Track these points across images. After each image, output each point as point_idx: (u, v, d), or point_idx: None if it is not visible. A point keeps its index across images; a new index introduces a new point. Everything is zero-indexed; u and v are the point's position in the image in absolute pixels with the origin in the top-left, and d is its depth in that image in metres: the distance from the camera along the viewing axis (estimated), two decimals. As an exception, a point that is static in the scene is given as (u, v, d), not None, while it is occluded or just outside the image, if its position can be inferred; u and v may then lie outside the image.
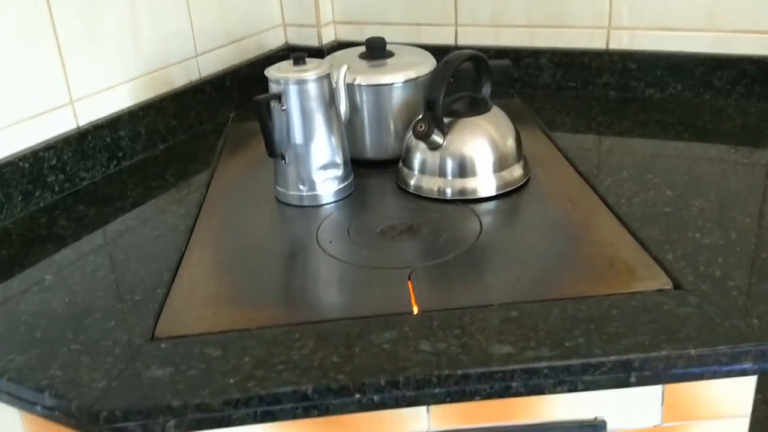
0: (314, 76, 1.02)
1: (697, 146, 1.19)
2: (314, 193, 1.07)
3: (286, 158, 1.06)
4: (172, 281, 0.89)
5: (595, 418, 0.76)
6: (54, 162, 1.14)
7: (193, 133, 1.40)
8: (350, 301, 0.86)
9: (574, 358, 0.70)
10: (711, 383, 0.75)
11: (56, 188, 1.15)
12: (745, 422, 0.77)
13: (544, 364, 0.69)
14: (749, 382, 0.75)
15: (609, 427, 0.76)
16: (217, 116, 1.46)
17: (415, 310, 0.80)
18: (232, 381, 0.70)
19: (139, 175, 1.23)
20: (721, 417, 0.76)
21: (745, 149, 1.15)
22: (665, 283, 0.80)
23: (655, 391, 0.75)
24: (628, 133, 1.25)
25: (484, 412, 0.76)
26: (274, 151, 1.04)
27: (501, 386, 0.70)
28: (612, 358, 0.69)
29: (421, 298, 0.82)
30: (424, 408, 0.75)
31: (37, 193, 1.12)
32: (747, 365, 0.70)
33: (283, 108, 1.03)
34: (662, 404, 0.76)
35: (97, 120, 1.21)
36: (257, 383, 0.70)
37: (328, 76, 1.04)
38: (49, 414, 0.72)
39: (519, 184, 1.07)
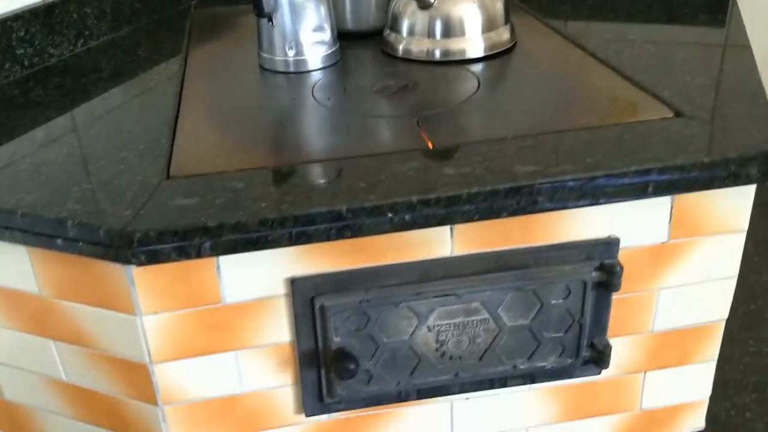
0: (304, -70, 0.99)
1: (670, 15, 1.22)
2: (302, 57, 1.05)
3: (274, 20, 1.03)
4: (173, 135, 0.87)
5: (609, 236, 0.79)
6: (22, 34, 1.07)
7: (157, 17, 1.35)
8: (364, 144, 0.85)
9: (598, 171, 0.72)
10: (715, 198, 0.79)
11: (26, 62, 1.09)
12: (742, 237, 0.83)
13: (569, 176, 0.72)
14: (748, 197, 0.80)
15: (621, 244, 0.80)
16: (179, 3, 1.41)
17: (431, 146, 0.81)
18: (264, 205, 0.70)
19: (110, 53, 1.17)
20: (722, 232, 0.81)
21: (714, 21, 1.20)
22: (667, 113, 0.84)
23: (664, 207, 0.79)
24: (602, 6, 1.28)
25: (504, 236, 0.78)
26: (261, 10, 1.01)
27: (528, 201, 0.72)
28: (633, 168, 0.72)
29: (434, 138, 0.83)
30: (447, 234, 0.77)
31: (7, 66, 1.06)
32: (752, 171, 0.74)
33: (271, -35, 1.00)
34: (670, 221, 0.80)
35: (62, -8, 1.15)
36: (290, 206, 0.69)
37: (316, -68, 1.01)
38: (72, 246, 0.70)
39: (506, 47, 1.08)
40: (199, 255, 0.68)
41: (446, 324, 0.80)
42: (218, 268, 0.73)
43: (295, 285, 0.75)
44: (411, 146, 0.81)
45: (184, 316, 0.75)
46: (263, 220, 0.68)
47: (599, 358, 0.85)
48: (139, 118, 0.92)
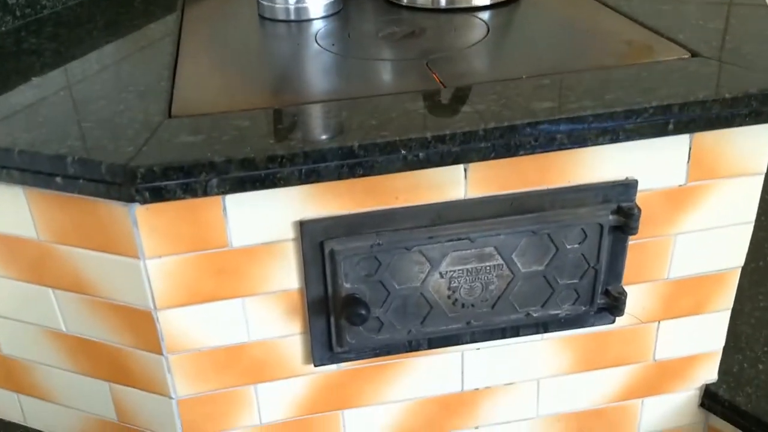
0: None
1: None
2: (303, 5, 1.02)
3: (276, -34, 1.00)
4: (173, 78, 0.84)
5: (627, 178, 0.77)
6: (12, -19, 1.03)
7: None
8: (372, 85, 0.82)
9: (618, 106, 0.70)
10: (734, 138, 0.77)
11: (17, 12, 1.05)
12: (760, 180, 0.81)
13: (588, 112, 0.69)
14: (765, 138, 0.78)
15: (639, 186, 0.77)
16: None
17: (443, 87, 0.78)
18: (272, 141, 0.67)
19: (103, 5, 1.13)
20: (740, 175, 0.79)
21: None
22: (684, 53, 0.81)
23: (682, 148, 0.77)
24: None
25: (520, 178, 0.75)
26: (264, -44, 0.98)
27: (546, 138, 0.70)
28: (654, 103, 0.70)
29: (446, 79, 0.80)
30: (461, 175, 0.74)
31: (-3, 14, 1.02)
32: (775, 109, 0.72)
33: None
34: (688, 162, 0.77)
35: (53, -60, 1.11)
36: (299, 142, 0.67)
37: None
38: (72, 185, 0.67)
39: (513, -4, 1.05)
40: (205, 193, 0.65)
41: (459, 270, 0.78)
42: (224, 209, 0.70)
43: (304, 228, 0.73)
44: (422, 87, 0.78)
45: (190, 260, 0.72)
46: (272, 156, 0.65)
47: (614, 306, 0.83)
48: (137, 63, 0.89)
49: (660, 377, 0.92)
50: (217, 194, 0.66)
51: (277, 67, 0.89)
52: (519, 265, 0.79)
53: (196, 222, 0.70)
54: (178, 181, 0.64)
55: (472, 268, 0.78)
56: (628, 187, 0.77)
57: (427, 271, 0.77)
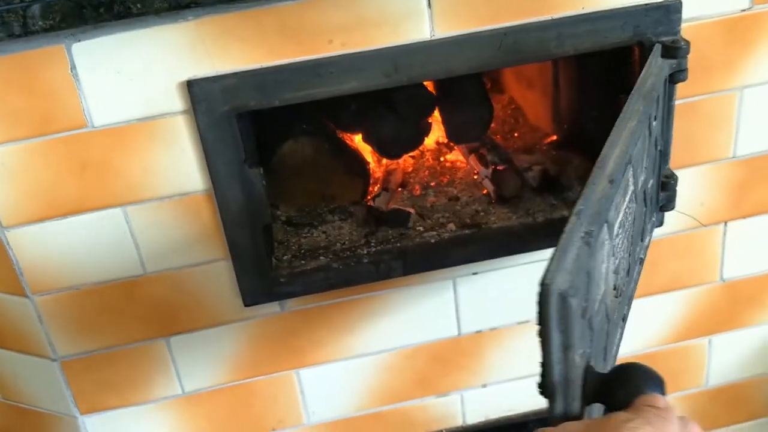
0: None
1: None
2: None
3: None
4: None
5: (665, 0, 0.53)
6: None
7: None
8: None
9: None
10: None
11: None
12: None
13: None
14: None
15: (684, 13, 0.53)
16: None
17: None
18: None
19: None
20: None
21: None
22: None
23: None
24: None
25: (511, 3, 0.52)
26: None
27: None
28: None
29: None
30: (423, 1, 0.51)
31: None
32: None
33: None
34: (755, -30, 0.54)
35: None
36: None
37: None
38: None
39: None
40: (26, 28, 0.44)
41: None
42: (73, 66, 0.48)
43: (195, 91, 0.50)
44: None
45: (35, 149, 0.50)
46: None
47: (662, 196, 0.58)
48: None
49: (731, 304, 0.68)
50: (46, 31, 0.44)
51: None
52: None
53: (34, 88, 0.48)
54: (-23, 9, 0.43)
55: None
56: (669, 12, 0.54)
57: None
